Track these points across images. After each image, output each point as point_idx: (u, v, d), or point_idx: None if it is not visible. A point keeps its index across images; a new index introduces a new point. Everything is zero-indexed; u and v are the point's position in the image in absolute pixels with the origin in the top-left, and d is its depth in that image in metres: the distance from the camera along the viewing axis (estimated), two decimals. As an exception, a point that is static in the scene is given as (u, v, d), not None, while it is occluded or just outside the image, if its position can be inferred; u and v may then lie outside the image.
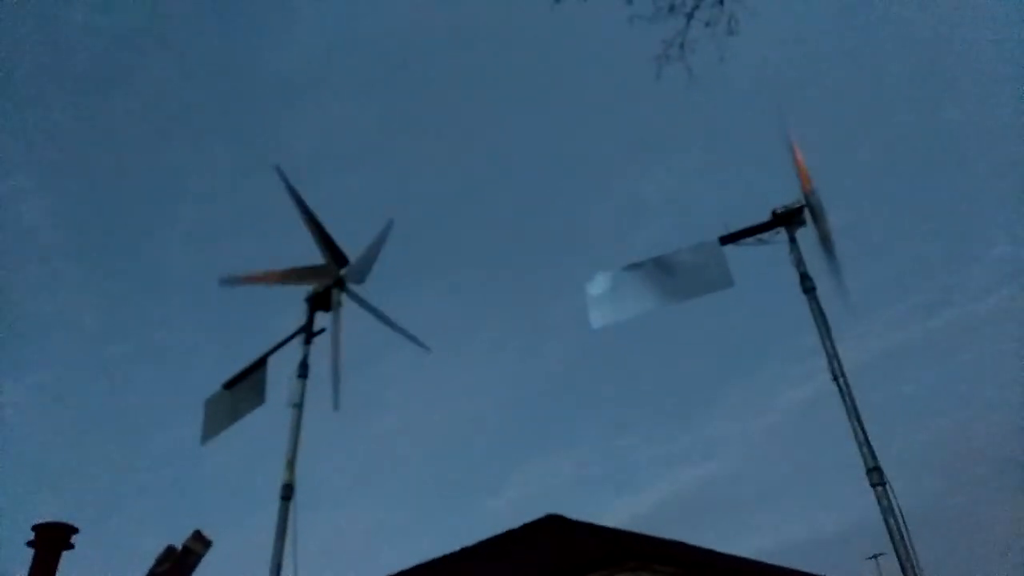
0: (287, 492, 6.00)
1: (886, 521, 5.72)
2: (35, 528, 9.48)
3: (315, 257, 7.12)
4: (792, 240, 7.32)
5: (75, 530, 9.77)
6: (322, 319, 7.00)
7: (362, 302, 7.05)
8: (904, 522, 5.69)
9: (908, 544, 5.57)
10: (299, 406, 6.41)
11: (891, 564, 5.55)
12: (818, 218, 7.37)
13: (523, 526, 9.80)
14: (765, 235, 7.56)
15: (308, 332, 6.85)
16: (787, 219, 7.42)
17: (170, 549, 8.81)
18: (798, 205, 7.40)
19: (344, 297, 6.98)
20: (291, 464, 6.15)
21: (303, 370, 6.63)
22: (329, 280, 6.88)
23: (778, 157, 7.58)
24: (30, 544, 9.62)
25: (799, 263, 7.18)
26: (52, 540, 9.35)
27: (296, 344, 6.98)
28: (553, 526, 9.86)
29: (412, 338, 7.21)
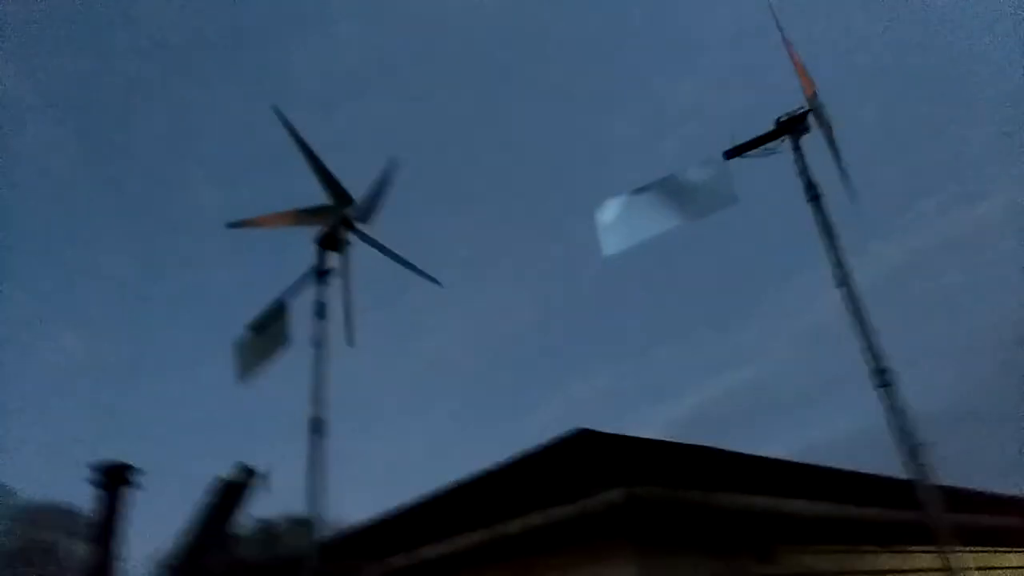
0: (317, 426, 6.31)
1: (890, 421, 5.90)
2: (99, 468, 10.15)
3: (322, 198, 7.21)
4: (796, 148, 7.26)
5: (133, 468, 10.43)
6: (333, 258, 7.17)
7: (370, 240, 7.19)
8: (910, 421, 5.87)
9: (916, 439, 5.77)
10: (319, 344, 6.65)
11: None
12: (821, 120, 7.27)
13: (552, 442, 10.11)
14: (771, 145, 7.49)
15: (320, 272, 7.02)
16: (791, 127, 7.31)
17: (218, 481, 9.37)
18: (801, 111, 7.29)
19: (352, 236, 7.12)
20: (317, 399, 6.44)
21: (320, 309, 6.84)
22: (334, 220, 7.00)
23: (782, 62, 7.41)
24: (95, 483, 10.31)
25: (803, 171, 7.14)
26: (115, 478, 10.02)
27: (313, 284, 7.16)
28: (584, 440, 10.16)
29: (423, 273, 7.37)
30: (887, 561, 6.24)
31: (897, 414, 5.88)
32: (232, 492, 8.82)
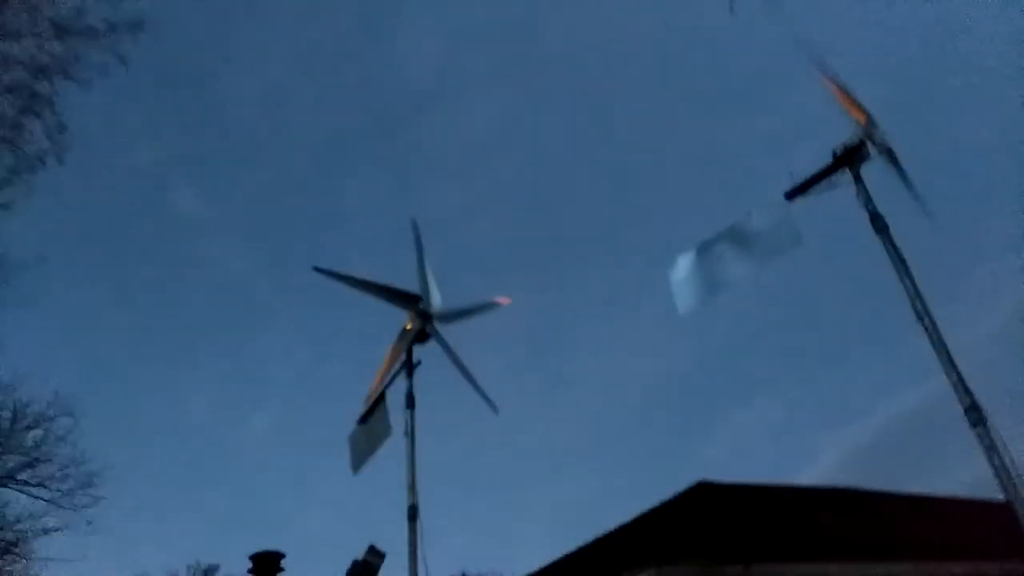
0: (412, 512, 6.85)
1: (989, 459, 5.53)
2: (254, 556, 11.33)
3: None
4: (857, 179, 7.05)
5: (283, 556, 11.52)
6: (417, 351, 7.80)
7: (445, 316, 7.82)
8: (1011, 459, 5.47)
9: (1016, 484, 5.37)
10: (410, 434, 7.23)
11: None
12: (880, 146, 7.03)
13: (673, 497, 10.08)
14: (832, 179, 7.33)
15: (409, 366, 7.66)
16: (849, 158, 7.14)
17: (354, 563, 10.19)
18: (857, 141, 7.10)
19: (438, 323, 7.77)
20: (412, 487, 6.99)
21: (409, 401, 7.45)
22: (417, 321, 7.65)
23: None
24: (250, 571, 11.48)
25: (868, 202, 6.92)
26: (267, 566, 11.13)
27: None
28: (703, 494, 10.07)
29: (484, 395, 7.88)
30: None
31: (993, 452, 5.53)
32: (366, 572, 9.54)
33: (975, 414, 5.71)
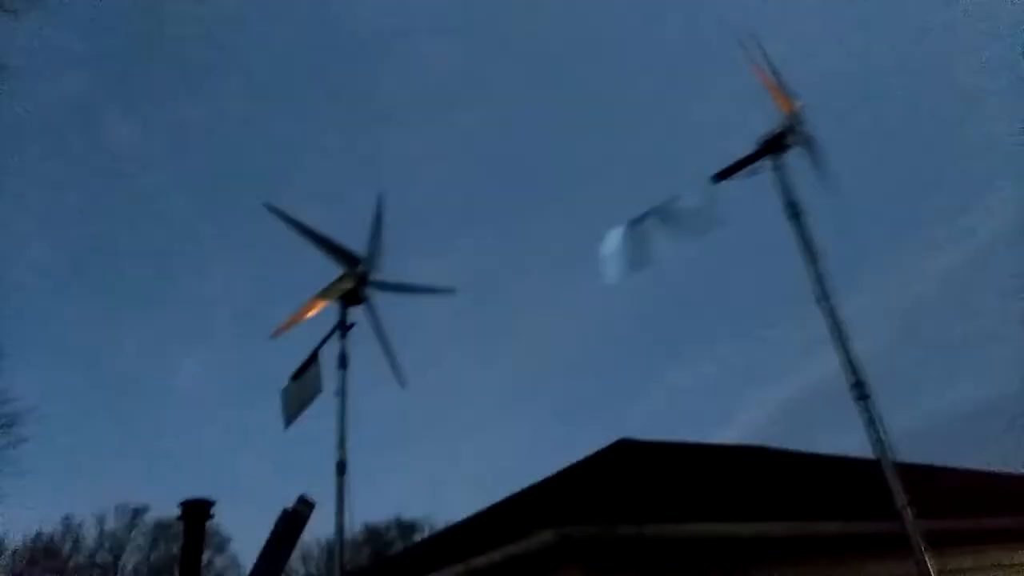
0: (341, 468, 7.13)
1: (868, 433, 6.12)
2: (182, 504, 11.46)
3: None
4: (779, 167, 7.48)
5: (213, 503, 11.68)
6: (354, 313, 7.99)
7: (382, 285, 8.00)
8: (886, 433, 6.07)
9: (890, 454, 5.97)
10: (341, 393, 7.46)
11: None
12: (802, 137, 7.46)
13: (594, 454, 10.62)
14: (755, 165, 7.74)
15: (343, 327, 7.85)
16: (772, 146, 7.55)
17: (285, 512, 10.46)
18: (780, 130, 7.50)
19: (371, 289, 7.94)
20: (342, 443, 7.27)
21: (342, 361, 7.65)
22: (351, 280, 7.81)
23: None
24: (179, 518, 11.63)
25: (786, 190, 7.36)
26: (197, 513, 11.28)
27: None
28: (624, 451, 10.64)
29: (437, 290, 8.15)
30: (862, 569, 6.40)
31: (874, 426, 6.11)
32: (296, 521, 9.83)
33: (859, 389, 6.28)
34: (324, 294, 7.91)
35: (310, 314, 7.98)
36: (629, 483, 7.18)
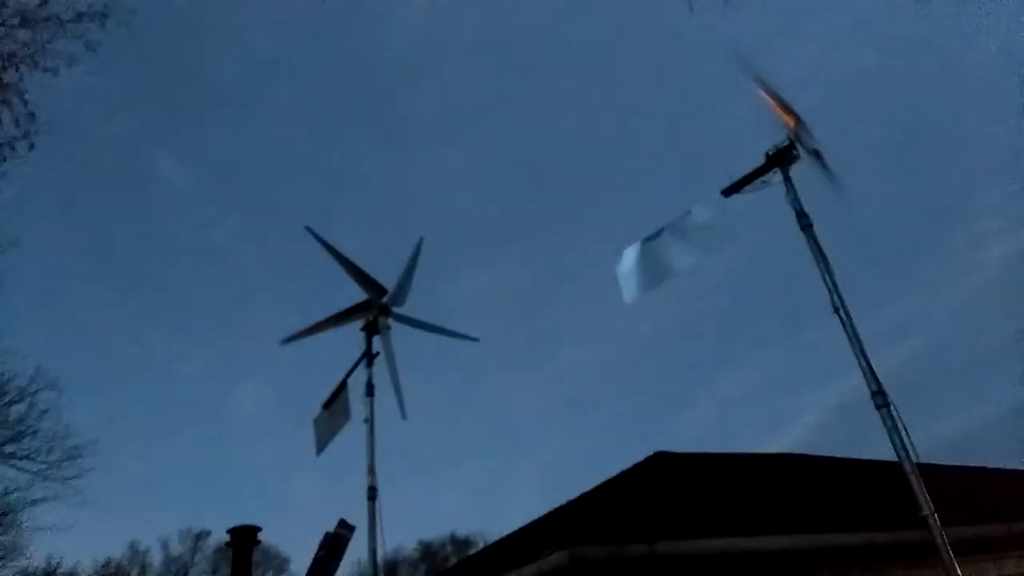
0: (372, 494, 7.39)
1: (892, 440, 6.11)
2: (230, 531, 11.86)
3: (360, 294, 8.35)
4: (787, 179, 7.53)
5: (259, 529, 12.08)
6: (378, 343, 8.25)
7: (405, 319, 8.24)
8: (909, 439, 6.05)
9: (913, 459, 5.94)
10: (369, 421, 7.72)
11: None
12: (808, 147, 7.50)
13: (630, 468, 10.68)
14: (765, 178, 7.80)
15: (368, 356, 8.12)
16: (780, 158, 7.60)
17: (327, 535, 10.78)
18: (786, 142, 7.56)
19: (391, 320, 8.19)
20: (371, 470, 7.52)
21: (369, 389, 7.92)
22: (373, 311, 8.09)
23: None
24: (228, 544, 12.03)
25: (795, 201, 7.41)
26: (244, 539, 11.67)
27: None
28: (660, 464, 10.67)
29: (458, 335, 8.34)
30: None
31: (896, 433, 6.09)
32: (337, 544, 10.11)
33: (880, 397, 6.28)
34: (343, 315, 8.20)
35: (325, 330, 8.25)
36: (647, 500, 7.25)
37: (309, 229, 7.99)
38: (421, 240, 8.85)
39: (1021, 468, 13.53)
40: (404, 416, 8.07)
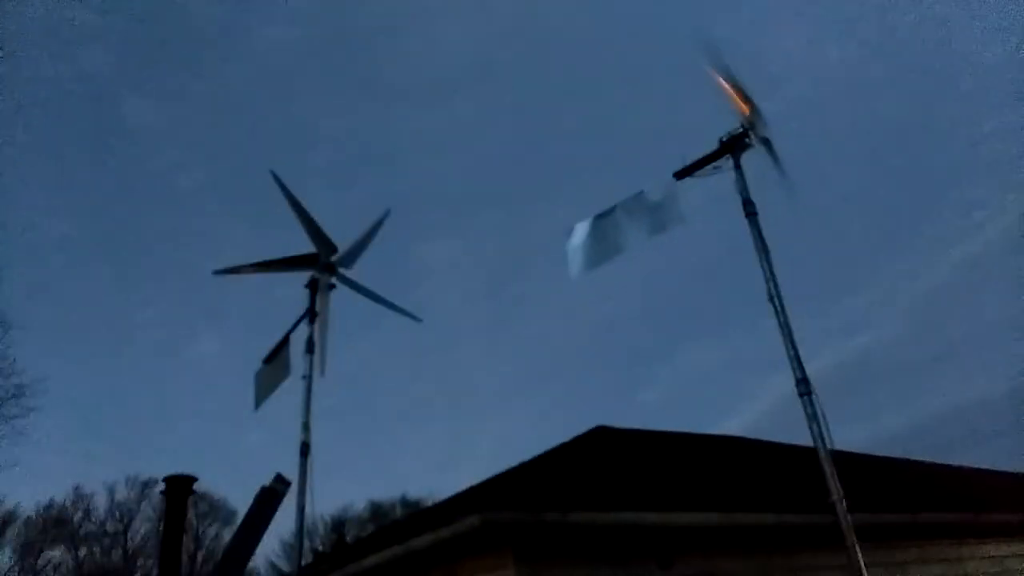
0: (304, 449, 7.41)
1: (810, 427, 6.31)
2: (165, 479, 11.80)
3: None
4: (737, 167, 7.63)
5: (195, 479, 12.03)
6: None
7: (351, 283, 8.19)
8: (827, 428, 6.27)
9: (828, 447, 6.16)
10: (308, 377, 7.72)
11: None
12: (760, 138, 7.60)
13: (573, 439, 10.86)
14: (717, 163, 7.88)
15: (311, 313, 8.08)
16: (732, 145, 7.69)
17: (262, 489, 10.79)
18: (740, 130, 7.64)
19: (335, 279, 8.15)
20: (306, 426, 7.53)
21: (309, 346, 7.90)
22: (319, 267, 8.03)
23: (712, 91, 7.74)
24: (162, 493, 12.00)
25: (743, 189, 7.52)
26: (179, 489, 11.63)
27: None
28: (599, 438, 10.87)
29: (402, 311, 8.32)
30: (795, 561, 6.59)
31: (815, 421, 6.30)
32: (272, 499, 10.14)
33: (803, 385, 6.47)
34: (285, 262, 8.14)
35: (264, 272, 8.16)
36: (578, 471, 7.41)
37: (273, 174, 7.88)
38: (387, 213, 8.79)
39: (944, 463, 14.10)
40: (323, 373, 8.02)
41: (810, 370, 6.37)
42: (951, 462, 14.92)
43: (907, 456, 15.23)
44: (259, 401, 8.64)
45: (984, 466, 15.79)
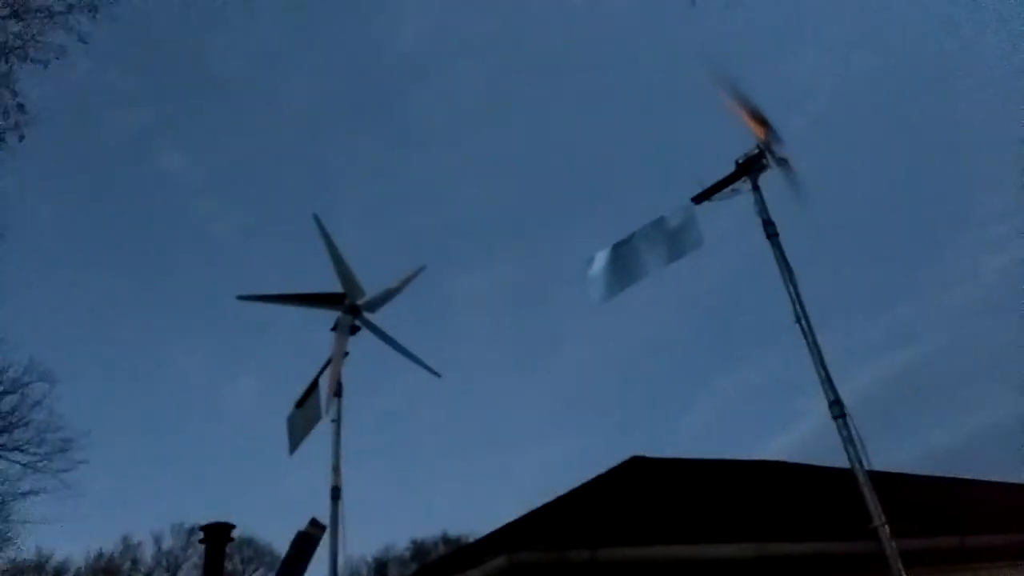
0: (335, 494, 7.42)
1: (846, 451, 6.13)
2: (203, 528, 11.91)
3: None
4: (755, 188, 7.56)
5: (233, 527, 12.12)
6: (350, 343, 8.28)
7: (376, 330, 8.25)
8: (864, 451, 6.08)
9: (866, 471, 5.97)
10: (337, 421, 7.75)
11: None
12: (777, 158, 7.53)
13: (608, 471, 10.71)
14: (735, 186, 7.82)
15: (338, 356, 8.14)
16: (749, 167, 7.63)
17: (298, 534, 10.82)
18: (756, 151, 7.59)
19: (359, 322, 8.21)
20: (336, 469, 7.54)
21: (337, 389, 7.94)
22: (341, 307, 8.11)
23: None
24: (201, 541, 12.11)
25: (763, 210, 7.44)
26: (218, 537, 11.71)
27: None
28: (635, 469, 10.70)
29: (423, 364, 8.34)
30: None
31: (851, 444, 6.11)
32: (308, 543, 10.14)
33: (836, 408, 6.30)
34: (310, 298, 8.24)
35: (287, 305, 8.25)
36: (599, 506, 7.28)
37: (316, 217, 8.03)
38: (422, 268, 8.88)
39: (985, 479, 13.52)
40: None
41: (855, 386, 6.21)
42: (1003, 479, 14.34)
43: (955, 474, 14.67)
44: (294, 446, 8.69)
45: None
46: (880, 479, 5.97)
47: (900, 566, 5.44)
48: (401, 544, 60.83)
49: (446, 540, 63.94)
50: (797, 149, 7.96)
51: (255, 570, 55.23)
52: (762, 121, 7.59)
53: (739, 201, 7.82)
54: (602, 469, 10.23)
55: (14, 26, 11.73)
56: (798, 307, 6.81)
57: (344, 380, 8.14)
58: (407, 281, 8.73)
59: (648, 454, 11.63)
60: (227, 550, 12.53)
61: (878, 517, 5.67)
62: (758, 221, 7.42)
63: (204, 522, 11.93)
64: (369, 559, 57.00)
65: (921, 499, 9.70)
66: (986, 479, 13.99)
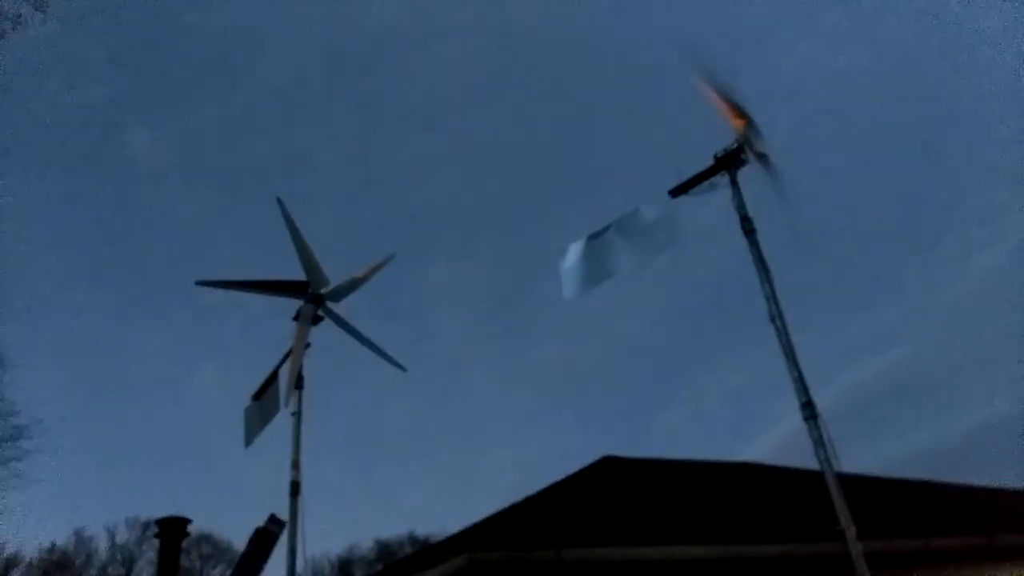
0: (295, 489, 7.15)
1: (816, 452, 6.03)
2: (158, 522, 11.53)
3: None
4: (733, 183, 7.43)
5: (189, 521, 11.75)
6: (312, 334, 7.99)
7: (339, 320, 7.99)
8: (834, 452, 5.99)
9: (835, 472, 5.87)
10: (297, 414, 7.48)
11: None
12: (756, 153, 7.41)
13: (579, 471, 10.54)
14: (714, 180, 7.68)
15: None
16: (728, 161, 7.50)
17: (256, 531, 10.49)
18: (735, 145, 7.46)
19: (322, 312, 7.95)
20: (295, 464, 7.27)
21: (299, 381, 7.67)
22: (304, 295, 7.84)
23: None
24: (156, 536, 11.72)
25: (740, 206, 7.31)
26: (173, 531, 11.34)
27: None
28: (608, 468, 10.55)
29: (388, 358, 8.11)
30: None
31: (822, 446, 6.02)
32: (266, 540, 9.83)
33: (808, 409, 6.19)
34: (273, 285, 7.96)
35: (248, 291, 7.98)
36: (568, 506, 7.12)
37: (279, 201, 7.75)
38: (391, 256, 8.63)
39: (949, 482, 13.61)
40: (286, 405, 7.78)
41: (841, 387, 6.10)
42: (970, 481, 14.45)
43: (943, 475, 14.72)
44: (250, 438, 8.40)
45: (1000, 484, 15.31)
46: (848, 481, 5.89)
47: (865, 568, 5.36)
48: (366, 544, 60.19)
49: (412, 540, 63.43)
50: (783, 145, 7.86)
51: (213, 567, 54.27)
52: (742, 115, 7.46)
53: (726, 195, 7.73)
54: (576, 466, 10.09)
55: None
56: (773, 306, 6.69)
57: (306, 372, 7.87)
58: (375, 270, 8.48)
59: (621, 454, 11.52)
60: (184, 546, 12.19)
61: (845, 519, 5.58)
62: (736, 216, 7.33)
63: (160, 516, 11.59)
64: (333, 558, 56.33)
65: (887, 501, 9.69)
66: (950, 482, 14.09)
